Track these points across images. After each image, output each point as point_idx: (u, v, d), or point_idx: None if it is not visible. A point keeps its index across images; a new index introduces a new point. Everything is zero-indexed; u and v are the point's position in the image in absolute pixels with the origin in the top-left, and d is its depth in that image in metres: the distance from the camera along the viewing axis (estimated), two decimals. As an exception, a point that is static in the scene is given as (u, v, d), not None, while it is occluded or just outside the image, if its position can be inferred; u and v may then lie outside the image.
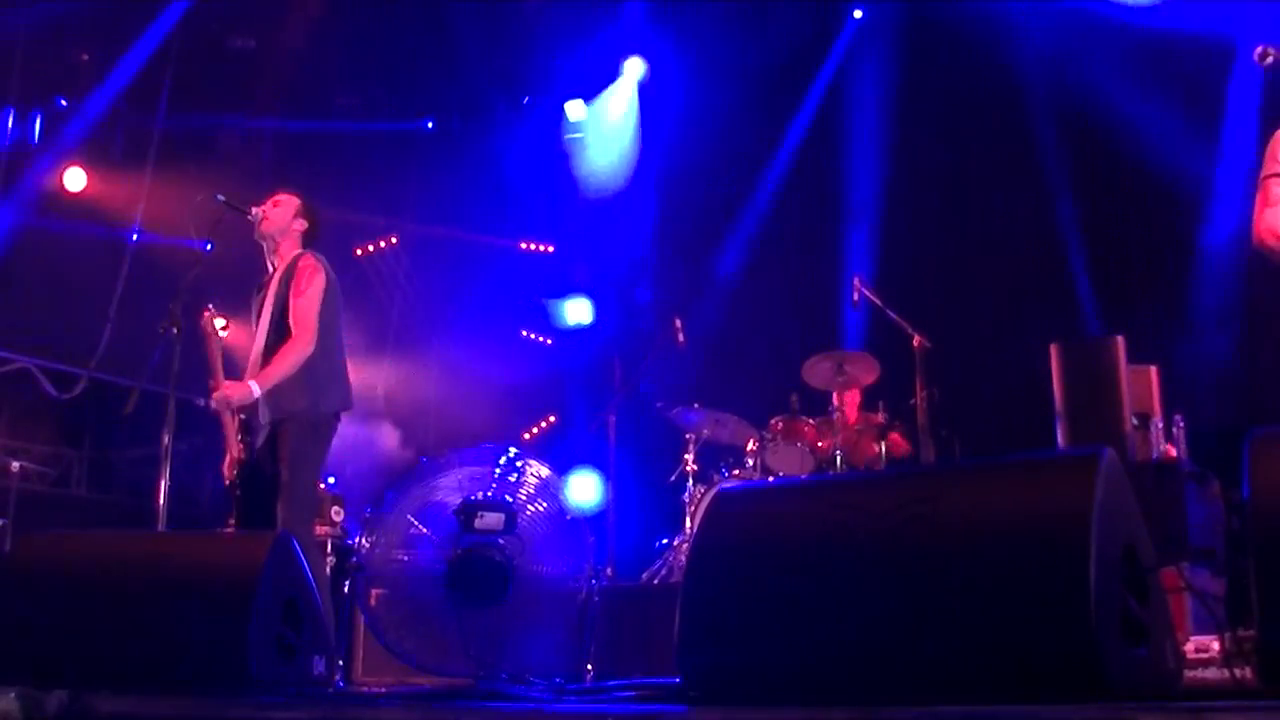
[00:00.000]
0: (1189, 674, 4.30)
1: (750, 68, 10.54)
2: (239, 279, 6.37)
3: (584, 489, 9.99)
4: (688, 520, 7.98)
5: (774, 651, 2.78)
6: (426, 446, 9.48)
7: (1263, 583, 2.29)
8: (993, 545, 2.58)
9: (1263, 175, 4.78)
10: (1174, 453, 6.72)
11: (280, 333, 5.61)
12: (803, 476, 7.96)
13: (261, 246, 5.97)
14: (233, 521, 5.57)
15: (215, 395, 5.46)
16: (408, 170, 11.48)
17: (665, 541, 8.26)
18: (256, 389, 5.46)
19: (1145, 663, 2.62)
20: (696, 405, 8.55)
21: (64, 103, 9.62)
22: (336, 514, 7.53)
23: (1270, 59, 4.50)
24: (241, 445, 5.50)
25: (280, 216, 5.89)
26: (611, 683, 5.57)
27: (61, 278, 9.40)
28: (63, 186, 9.63)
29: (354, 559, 5.22)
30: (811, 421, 8.38)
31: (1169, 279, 8.60)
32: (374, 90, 11.15)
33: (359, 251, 11.23)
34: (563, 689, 4.85)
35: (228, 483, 5.60)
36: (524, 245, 11.94)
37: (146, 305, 8.67)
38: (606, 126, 11.50)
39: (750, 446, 8.31)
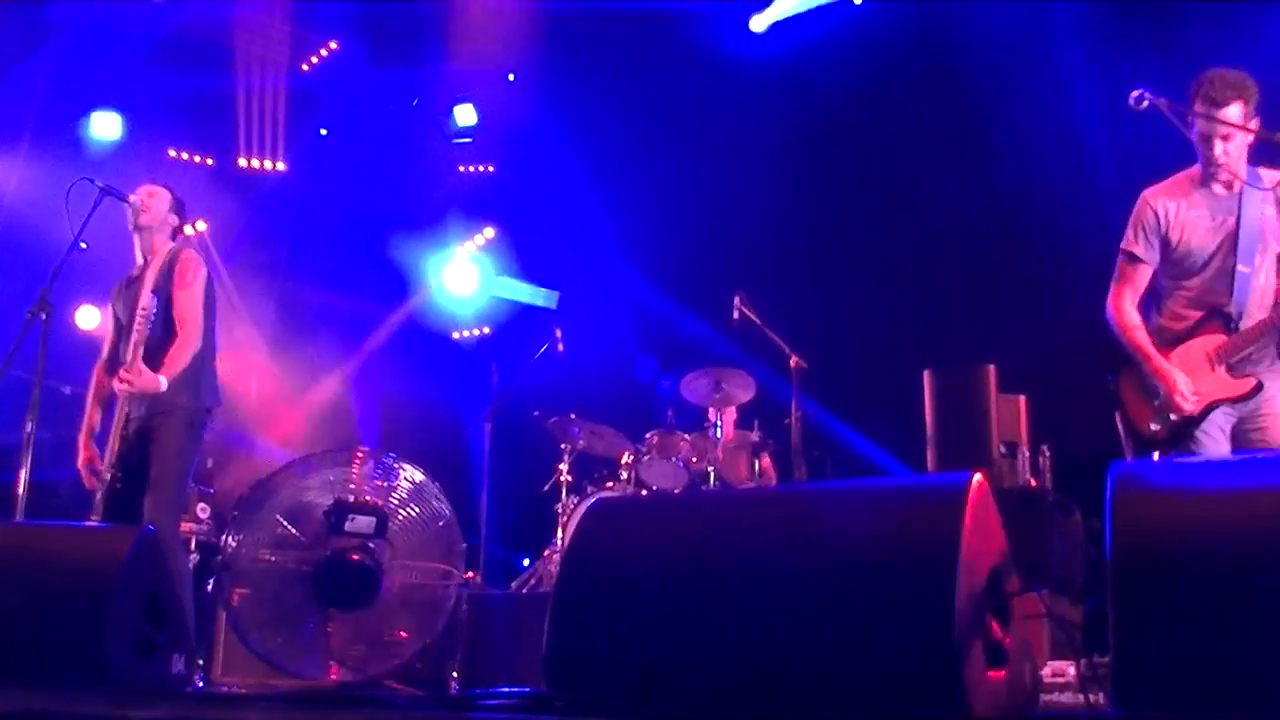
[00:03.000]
0: (1045, 697, 4.41)
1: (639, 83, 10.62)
2: (108, 266, 6.29)
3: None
4: (559, 531, 7.98)
5: (642, 664, 2.79)
6: (300, 448, 9.35)
7: (1119, 612, 2.35)
8: (863, 566, 2.62)
9: (1122, 245, 4.97)
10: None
11: (166, 326, 5.55)
12: (677, 491, 8.01)
13: (133, 236, 5.93)
14: (94, 515, 5.46)
15: (126, 378, 5.36)
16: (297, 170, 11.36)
17: (527, 564, 8.27)
18: (164, 383, 5.40)
19: (1004, 685, 2.68)
20: (574, 416, 8.55)
21: None
22: (203, 511, 7.40)
23: (1146, 103, 4.63)
24: (121, 435, 5.41)
25: (156, 210, 5.89)
26: (477, 691, 5.55)
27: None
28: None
29: (219, 557, 5.13)
30: (687, 437, 8.42)
31: (1041, 310, 8.79)
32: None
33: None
34: (428, 697, 4.82)
35: (81, 468, 5.51)
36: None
37: (13, 290, 8.46)
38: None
39: (625, 459, 8.33)
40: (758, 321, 8.27)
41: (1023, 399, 7.09)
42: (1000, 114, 8.88)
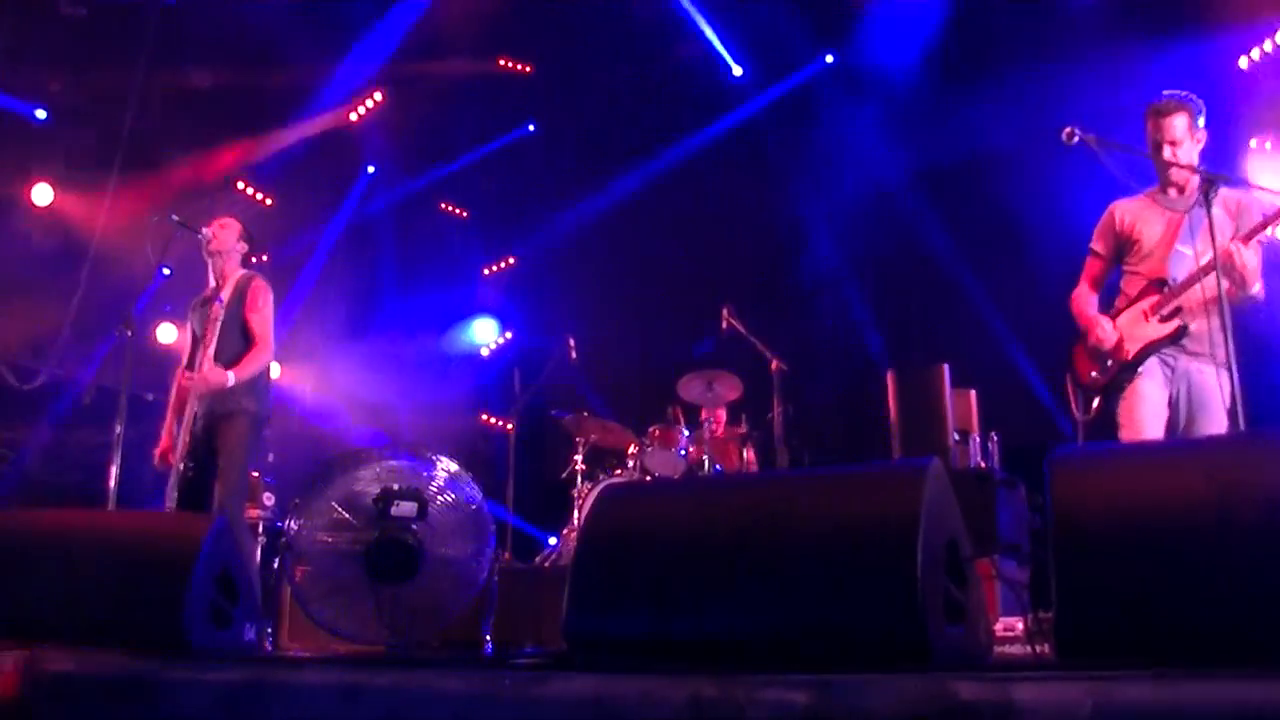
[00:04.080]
0: (997, 649, 4.40)
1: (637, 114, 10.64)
2: (184, 288, 6.34)
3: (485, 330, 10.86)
4: (575, 512, 7.98)
5: (649, 626, 2.78)
6: (351, 443, 9.34)
7: (1060, 574, 2.36)
8: (839, 538, 2.62)
9: (1090, 245, 5.11)
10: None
11: (242, 341, 5.67)
12: (676, 477, 8.00)
13: (206, 261, 6.01)
14: (170, 498, 5.47)
15: (198, 374, 5.45)
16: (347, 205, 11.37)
17: (555, 541, 8.26)
18: (232, 378, 5.53)
19: (961, 638, 2.68)
20: (586, 414, 8.56)
21: (41, 114, 9.34)
22: (268, 499, 7.41)
23: (1076, 139, 4.65)
24: (191, 432, 5.45)
25: (226, 238, 5.96)
26: (506, 652, 5.55)
27: (28, 282, 9.14)
28: (30, 200, 9.37)
29: (283, 539, 5.12)
30: (684, 430, 8.42)
31: (989, 318, 8.79)
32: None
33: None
34: (464, 657, 4.81)
35: (157, 464, 5.57)
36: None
37: (102, 309, 8.48)
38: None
39: (631, 450, 8.33)
40: (744, 330, 8.28)
41: (973, 393, 7.10)
42: (954, 155, 8.88)
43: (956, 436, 6.77)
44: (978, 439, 6.89)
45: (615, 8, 9.99)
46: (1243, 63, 8.22)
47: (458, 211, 12.02)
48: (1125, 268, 5.02)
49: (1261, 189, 4.71)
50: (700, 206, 10.72)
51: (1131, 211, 5.00)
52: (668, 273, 10.70)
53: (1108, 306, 5.07)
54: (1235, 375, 4.28)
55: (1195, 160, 4.81)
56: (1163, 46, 7.81)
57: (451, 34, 10.41)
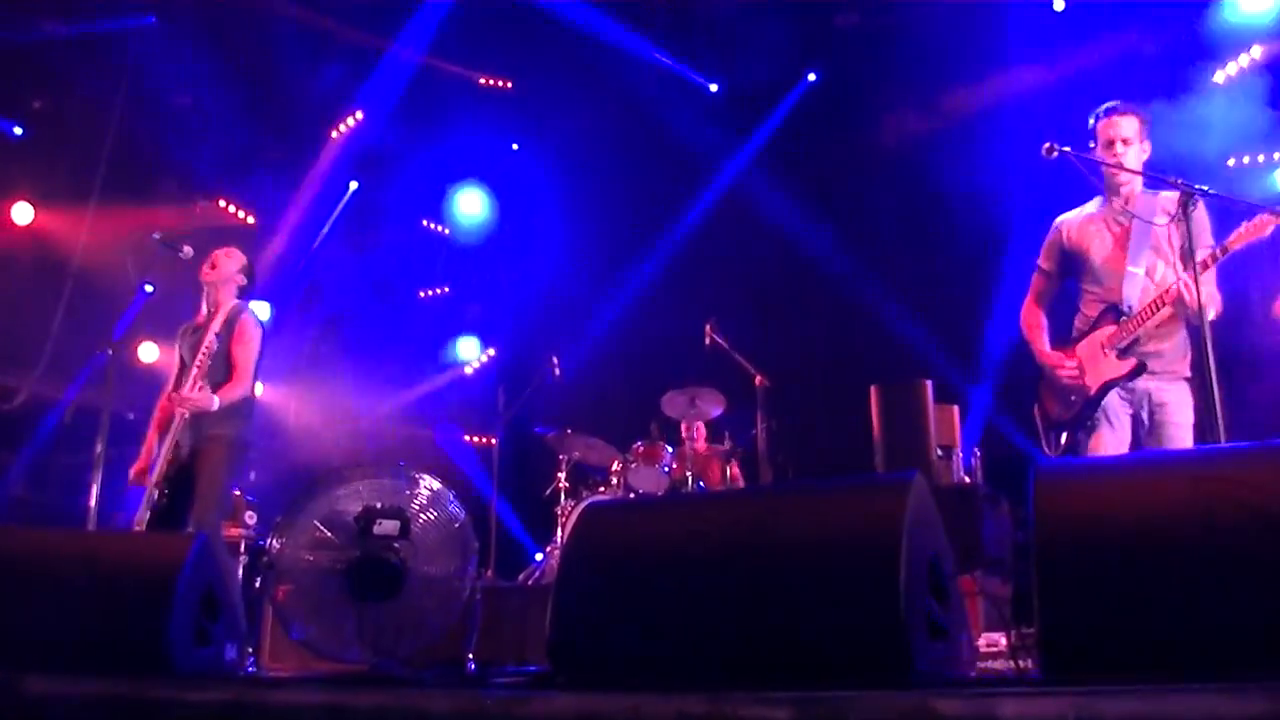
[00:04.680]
0: (980, 665, 4.40)
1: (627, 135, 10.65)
2: (166, 308, 6.30)
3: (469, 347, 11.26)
4: (559, 530, 7.96)
5: (633, 644, 2.78)
6: (333, 462, 9.31)
7: (1044, 589, 2.36)
8: (821, 554, 2.62)
9: (1037, 262, 5.09)
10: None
11: (226, 372, 5.69)
12: (660, 494, 8.00)
13: (202, 287, 6.00)
14: (139, 524, 5.43)
15: (183, 392, 5.47)
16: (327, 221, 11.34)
17: (540, 557, 8.24)
18: (217, 402, 5.51)
19: (944, 655, 2.68)
20: (569, 431, 8.54)
21: (19, 131, 9.31)
22: (250, 518, 7.37)
23: (1056, 153, 4.66)
24: (170, 457, 5.43)
25: (227, 268, 5.92)
26: (490, 670, 5.53)
27: (8, 301, 9.10)
28: (11, 219, 9.32)
29: (265, 558, 5.10)
30: (668, 447, 8.42)
31: (971, 334, 8.82)
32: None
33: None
34: (447, 675, 4.79)
35: (132, 481, 5.55)
36: (422, 293, 11.94)
37: (84, 328, 8.44)
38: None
39: (615, 467, 8.32)
40: (726, 346, 8.28)
41: (955, 409, 7.12)
42: (934, 176, 8.91)
43: (939, 452, 6.77)
44: (961, 454, 6.91)
45: (594, 27, 10.01)
46: (1218, 78, 8.29)
47: (439, 228, 12.01)
48: (1082, 286, 4.94)
49: (1237, 198, 4.70)
50: (683, 222, 10.74)
51: (1076, 227, 4.94)
52: (650, 288, 10.71)
53: (1064, 322, 5.03)
54: (1215, 389, 4.28)
55: (1140, 168, 4.80)
56: (1137, 61, 7.86)
57: (433, 51, 10.42)
